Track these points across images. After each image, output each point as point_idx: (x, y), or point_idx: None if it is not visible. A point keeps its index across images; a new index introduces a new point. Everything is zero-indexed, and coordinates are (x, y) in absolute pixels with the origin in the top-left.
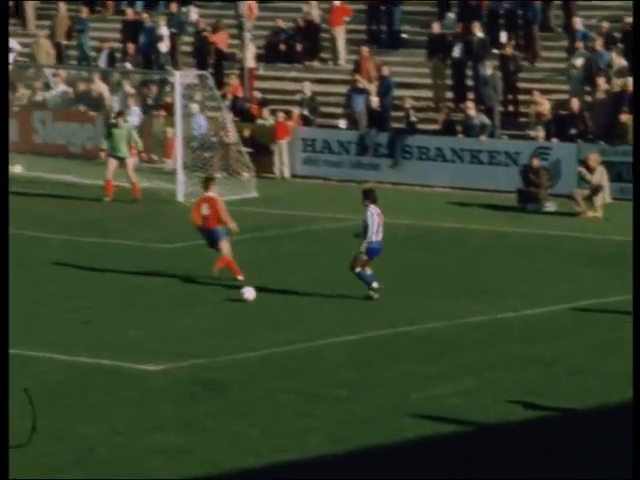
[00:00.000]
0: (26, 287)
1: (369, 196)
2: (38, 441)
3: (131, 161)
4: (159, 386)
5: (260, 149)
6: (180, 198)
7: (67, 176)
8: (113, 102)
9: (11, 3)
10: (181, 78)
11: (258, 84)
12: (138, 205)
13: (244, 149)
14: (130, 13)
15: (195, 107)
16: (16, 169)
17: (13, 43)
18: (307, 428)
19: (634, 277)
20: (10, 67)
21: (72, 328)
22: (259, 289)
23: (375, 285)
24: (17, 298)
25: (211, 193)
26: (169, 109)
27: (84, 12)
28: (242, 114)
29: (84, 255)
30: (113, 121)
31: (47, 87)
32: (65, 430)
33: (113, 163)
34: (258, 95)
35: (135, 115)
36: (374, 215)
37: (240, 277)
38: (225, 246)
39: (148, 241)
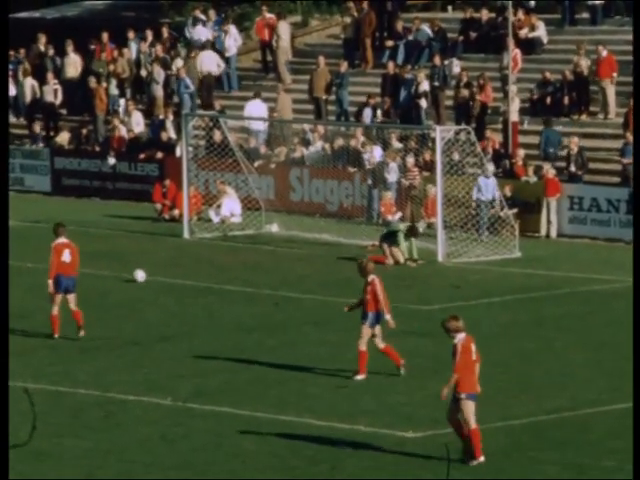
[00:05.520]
0: (283, 349)
1: None
2: None
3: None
4: (418, 453)
5: (524, 207)
6: (440, 258)
7: (324, 235)
8: (371, 159)
9: (269, 58)
10: (442, 133)
11: (522, 139)
12: (397, 265)
13: (506, 208)
14: (391, 67)
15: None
16: (272, 228)
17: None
18: None
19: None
20: (268, 124)
21: (328, 392)
22: (521, 352)
23: None
24: (275, 360)
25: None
26: (430, 166)
27: (343, 66)
28: (504, 170)
29: (340, 315)
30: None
31: (305, 143)
32: None
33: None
34: (521, 151)
35: (393, 172)
36: None
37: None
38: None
39: (406, 302)
